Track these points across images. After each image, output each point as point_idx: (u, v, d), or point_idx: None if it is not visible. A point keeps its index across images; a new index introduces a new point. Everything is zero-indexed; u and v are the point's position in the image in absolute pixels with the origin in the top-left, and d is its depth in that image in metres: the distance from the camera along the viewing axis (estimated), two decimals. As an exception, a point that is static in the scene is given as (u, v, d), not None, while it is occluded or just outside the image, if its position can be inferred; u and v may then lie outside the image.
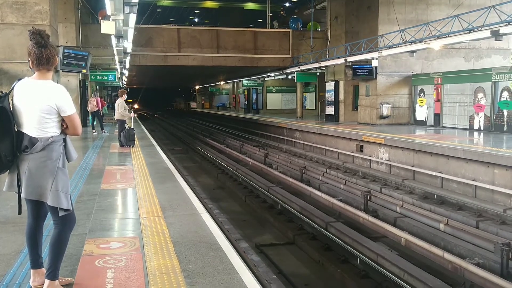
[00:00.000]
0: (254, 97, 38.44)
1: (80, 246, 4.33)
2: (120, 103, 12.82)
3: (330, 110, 23.06)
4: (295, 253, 8.25)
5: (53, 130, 3.23)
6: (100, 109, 19.13)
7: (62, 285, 3.36)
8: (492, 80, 14.55)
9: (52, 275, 3.24)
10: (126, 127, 13.12)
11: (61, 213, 3.21)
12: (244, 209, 11.33)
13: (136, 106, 30.61)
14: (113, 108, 28.63)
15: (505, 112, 14.18)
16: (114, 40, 12.86)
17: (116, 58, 17.83)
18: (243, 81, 37.29)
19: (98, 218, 5.39)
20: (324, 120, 23.33)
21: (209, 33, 23.90)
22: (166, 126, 41.05)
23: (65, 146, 3.32)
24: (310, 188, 11.72)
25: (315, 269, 7.51)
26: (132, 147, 12.80)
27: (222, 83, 45.85)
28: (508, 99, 14.14)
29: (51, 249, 3.26)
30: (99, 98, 19.48)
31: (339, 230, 8.36)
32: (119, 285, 3.49)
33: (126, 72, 25.47)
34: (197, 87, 56.74)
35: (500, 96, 14.34)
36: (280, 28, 28.61)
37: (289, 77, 27.90)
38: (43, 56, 3.20)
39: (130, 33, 11.74)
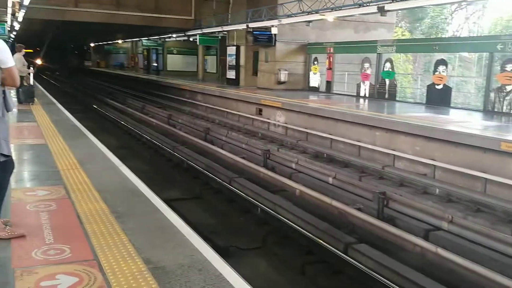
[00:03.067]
0: (154, 57, 37.74)
1: (7, 195, 4.55)
2: (18, 59, 12.27)
3: (231, 74, 23.66)
4: (202, 206, 8.90)
5: None
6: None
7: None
8: (377, 52, 16.09)
9: (-6, 215, 3.55)
10: (25, 83, 12.67)
11: (1, 159, 3.49)
12: (150, 168, 11.66)
13: (39, 61, 27.44)
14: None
15: (387, 81, 15.83)
16: (10, -8, 12.20)
17: (9, 10, 16.69)
18: (143, 40, 36.38)
19: (17, 170, 5.51)
20: (225, 83, 23.91)
21: (109, -11, 23.05)
22: (60, 85, 38.99)
23: (4, 98, 3.56)
24: (214, 147, 12.35)
25: (221, 219, 8.23)
26: (32, 104, 12.44)
27: (120, 41, 44.24)
28: (390, 70, 15.79)
29: (-9, 192, 3.55)
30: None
31: (242, 184, 9.13)
32: (55, 224, 3.88)
33: (17, 25, 23.76)
34: (92, 44, 54.02)
35: (383, 66, 15.94)
36: (182, -12, 28.29)
37: (191, 39, 27.91)
38: None
39: (30, -14, 11.25)
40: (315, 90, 19.59)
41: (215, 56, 32.01)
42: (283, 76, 19.92)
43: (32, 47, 51.72)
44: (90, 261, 3.24)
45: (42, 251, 3.34)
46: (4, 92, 3.56)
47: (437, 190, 8.87)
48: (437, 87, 13.88)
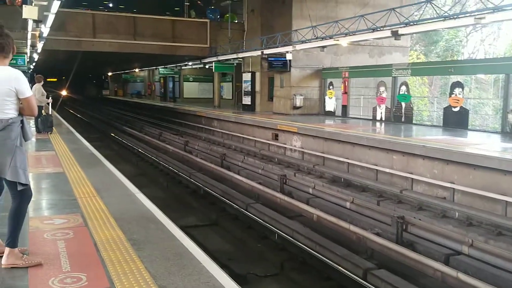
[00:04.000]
0: (170, 85, 38.28)
1: (25, 223, 4.60)
2: (37, 89, 12.58)
3: (246, 100, 23.85)
4: (219, 233, 8.89)
5: (12, 112, 3.55)
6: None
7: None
8: (392, 75, 16.08)
9: (12, 243, 3.59)
10: (43, 113, 12.92)
11: (19, 188, 3.55)
12: (167, 195, 11.74)
13: (64, 92, 26.84)
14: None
15: (403, 104, 15.77)
16: (31, 25, 12.54)
17: (29, 42, 17.18)
18: (160, 69, 36.98)
19: (35, 199, 5.59)
20: (241, 109, 24.09)
21: (126, 19, 23.64)
22: (79, 114, 39.67)
23: (22, 127, 3.64)
24: (230, 173, 12.37)
25: (238, 246, 8.20)
26: (50, 133, 12.67)
27: (137, 70, 45.07)
28: (406, 93, 15.74)
29: (10, 221, 3.58)
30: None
31: (259, 210, 9.10)
32: (72, 252, 3.89)
33: (36, 56, 24.43)
34: (110, 73, 55.09)
35: (399, 89, 15.90)
36: (198, 18, 28.86)
37: (207, 66, 28.31)
38: None
39: (50, 19, 11.56)
40: (331, 114, 19.60)
41: (230, 83, 32.37)
42: (298, 101, 20.00)
43: (55, 76, 52.63)
44: (106, 289, 3.24)
45: (59, 280, 3.35)
46: (22, 121, 3.64)
47: (457, 214, 8.72)
48: (453, 109, 13.77)
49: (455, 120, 13.72)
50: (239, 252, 7.96)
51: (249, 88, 23.58)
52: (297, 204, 9.32)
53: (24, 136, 3.66)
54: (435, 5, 12.61)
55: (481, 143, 10.88)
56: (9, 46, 3.59)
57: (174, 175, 13.10)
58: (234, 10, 27.89)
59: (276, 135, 16.40)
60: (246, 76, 23.94)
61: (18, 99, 3.56)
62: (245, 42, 23.38)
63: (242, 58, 23.32)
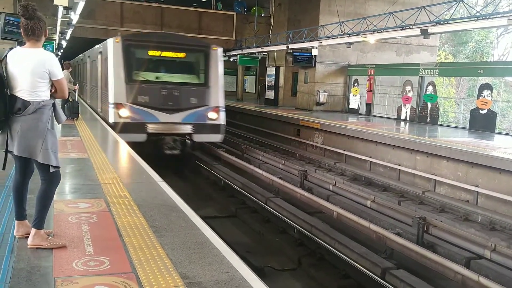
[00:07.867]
0: (194, 77, 38.41)
1: (50, 206, 4.68)
2: (65, 75, 12.76)
3: (270, 94, 23.82)
4: (237, 225, 8.93)
5: (44, 94, 3.60)
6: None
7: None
8: (419, 75, 15.85)
9: (39, 224, 3.66)
10: (70, 99, 13.10)
11: (52, 170, 3.60)
12: (188, 185, 11.81)
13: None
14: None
15: (429, 104, 15.54)
16: (61, 11, 12.72)
17: (58, 29, 17.43)
18: (184, 60, 37.08)
19: (60, 183, 5.69)
20: (263, 104, 24.07)
21: (153, 10, 23.80)
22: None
23: (54, 110, 3.69)
24: (251, 166, 12.38)
25: (256, 238, 8.23)
26: (76, 119, 12.86)
27: (162, 61, 45.29)
28: (432, 93, 15.50)
29: (38, 202, 3.65)
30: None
31: (278, 204, 9.09)
32: (95, 236, 3.95)
33: (64, 43, 24.79)
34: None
35: (426, 89, 15.67)
36: (224, 10, 28.87)
37: (231, 59, 28.33)
38: (28, 28, 3.55)
39: (80, 6, 11.72)
40: (355, 112, 19.45)
41: (254, 77, 32.32)
42: (322, 97, 19.89)
43: None
44: (128, 273, 3.27)
45: (83, 262, 3.41)
46: (54, 104, 3.69)
47: (480, 218, 8.58)
48: (481, 112, 13.51)
49: (482, 123, 13.47)
50: (257, 245, 7.99)
51: (273, 83, 23.54)
52: (317, 200, 9.30)
53: (57, 118, 3.71)
54: (467, 4, 12.36)
55: (508, 147, 10.65)
56: (40, 30, 3.61)
57: (195, 166, 13.17)
58: (261, 4, 27.79)
59: (298, 131, 16.34)
60: (270, 70, 23.90)
61: (51, 81, 3.62)
62: (271, 36, 23.33)
63: (267, 52, 23.28)
